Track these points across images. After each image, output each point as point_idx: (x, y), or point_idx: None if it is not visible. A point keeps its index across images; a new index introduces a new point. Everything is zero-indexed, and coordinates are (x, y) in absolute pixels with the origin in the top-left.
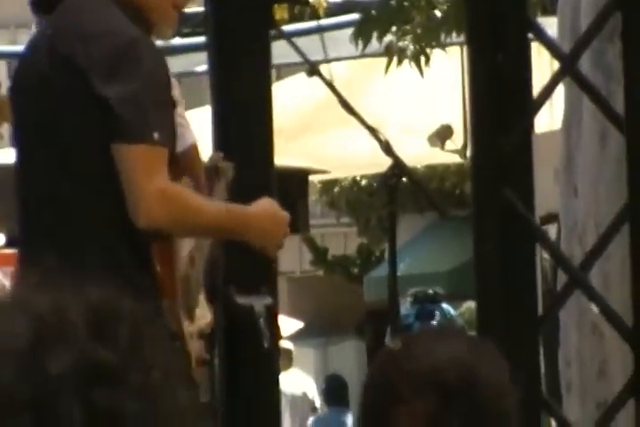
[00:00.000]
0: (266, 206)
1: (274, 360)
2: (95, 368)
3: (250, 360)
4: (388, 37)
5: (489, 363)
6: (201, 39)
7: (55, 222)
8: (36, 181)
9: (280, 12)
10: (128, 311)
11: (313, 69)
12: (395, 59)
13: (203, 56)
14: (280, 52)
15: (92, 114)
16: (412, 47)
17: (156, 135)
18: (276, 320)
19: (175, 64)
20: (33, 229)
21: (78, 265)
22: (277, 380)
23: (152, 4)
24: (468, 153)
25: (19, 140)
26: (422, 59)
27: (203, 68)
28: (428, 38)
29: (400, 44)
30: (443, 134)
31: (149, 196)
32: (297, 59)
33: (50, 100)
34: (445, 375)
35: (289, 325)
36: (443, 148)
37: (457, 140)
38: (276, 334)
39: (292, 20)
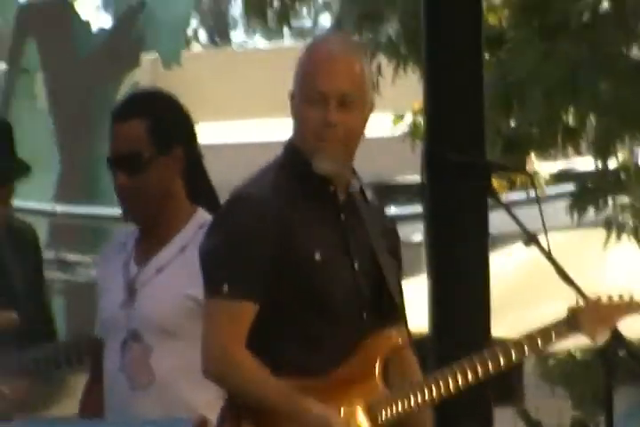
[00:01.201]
0: (328, 412)
1: None
2: None
3: None
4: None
5: None
6: (417, 208)
7: None
8: None
9: (501, 187)
10: None
11: (531, 238)
12: (613, 233)
13: (418, 226)
14: (494, 221)
15: None
16: (631, 223)
17: (225, 288)
18: None
19: None
20: None
21: None
22: None
23: (302, 145)
24: None
25: None
26: None
27: (419, 237)
28: None
29: (619, 217)
30: None
31: (205, 353)
32: (511, 228)
33: None
34: None
35: None
36: None
37: None
38: None
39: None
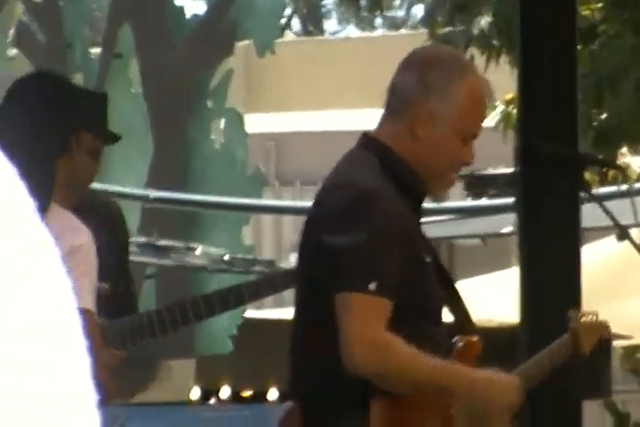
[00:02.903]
0: (507, 376)
1: None
2: None
3: None
4: None
5: None
6: (507, 200)
7: (303, 360)
8: (296, 321)
9: (592, 180)
10: None
11: (624, 233)
12: None
13: (509, 217)
14: (584, 215)
15: (322, 263)
16: None
17: (372, 286)
18: None
19: (481, 225)
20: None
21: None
22: None
23: (427, 167)
24: None
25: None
26: None
27: (509, 229)
28: None
29: None
30: None
31: (355, 344)
32: (602, 222)
33: (303, 251)
34: None
35: None
36: None
37: None
38: None
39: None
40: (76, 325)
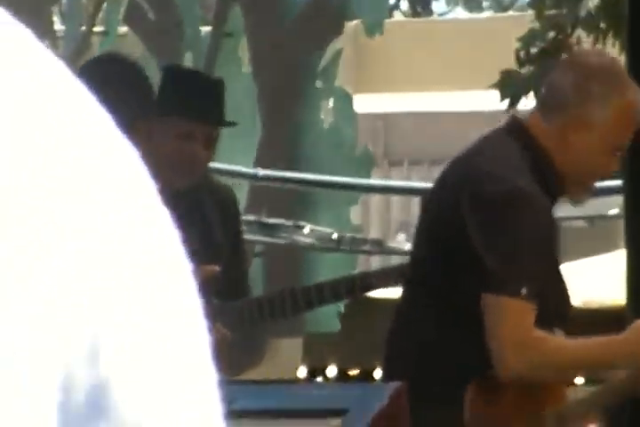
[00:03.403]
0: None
1: None
2: None
3: None
4: None
5: None
6: (614, 182)
7: (410, 342)
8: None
9: None
10: None
11: None
12: None
13: (615, 199)
14: None
15: (464, 259)
16: None
17: (524, 291)
18: None
19: (588, 207)
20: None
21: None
22: None
23: (571, 172)
24: None
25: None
26: None
27: (615, 211)
28: None
29: None
30: None
31: (506, 349)
32: None
33: (431, 238)
34: None
35: None
36: None
37: None
38: None
39: None
40: (198, 301)
